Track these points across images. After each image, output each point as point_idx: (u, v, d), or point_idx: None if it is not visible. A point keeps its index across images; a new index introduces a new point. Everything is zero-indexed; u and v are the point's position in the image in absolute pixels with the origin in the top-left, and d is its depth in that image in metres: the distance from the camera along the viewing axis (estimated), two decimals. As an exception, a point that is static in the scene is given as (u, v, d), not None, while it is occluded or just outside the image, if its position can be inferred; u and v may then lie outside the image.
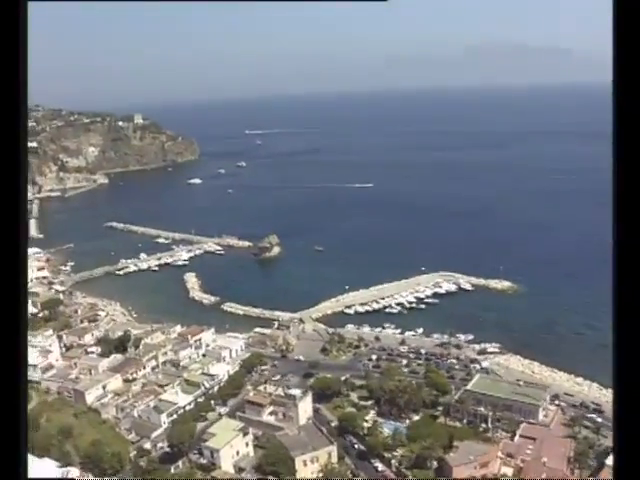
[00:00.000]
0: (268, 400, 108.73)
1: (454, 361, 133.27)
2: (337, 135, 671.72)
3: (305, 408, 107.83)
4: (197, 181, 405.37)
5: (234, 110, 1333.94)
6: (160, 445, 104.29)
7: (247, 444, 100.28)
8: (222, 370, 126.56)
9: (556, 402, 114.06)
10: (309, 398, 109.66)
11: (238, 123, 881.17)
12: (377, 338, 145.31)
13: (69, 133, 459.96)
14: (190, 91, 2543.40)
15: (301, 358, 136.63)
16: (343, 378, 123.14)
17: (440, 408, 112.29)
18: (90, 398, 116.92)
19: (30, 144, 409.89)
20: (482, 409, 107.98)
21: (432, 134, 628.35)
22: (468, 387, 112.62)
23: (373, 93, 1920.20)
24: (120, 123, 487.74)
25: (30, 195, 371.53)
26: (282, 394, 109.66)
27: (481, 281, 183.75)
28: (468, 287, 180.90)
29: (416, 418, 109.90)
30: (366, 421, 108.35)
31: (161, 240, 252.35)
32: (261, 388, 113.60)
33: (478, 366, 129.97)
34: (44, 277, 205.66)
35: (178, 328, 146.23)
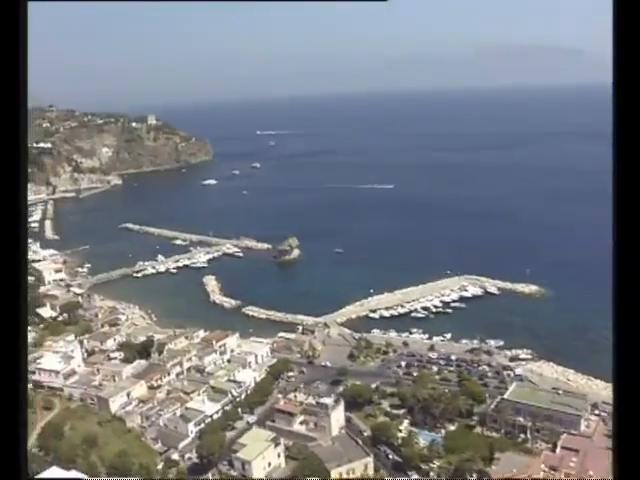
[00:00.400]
0: (299, 409, 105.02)
1: (486, 368, 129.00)
2: (347, 136, 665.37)
3: (337, 417, 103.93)
4: (212, 182, 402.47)
5: (236, 111, 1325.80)
6: (188, 456, 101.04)
7: (279, 455, 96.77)
8: (249, 377, 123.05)
9: (596, 412, 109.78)
10: (341, 407, 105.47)
11: (243, 124, 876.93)
12: (405, 343, 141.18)
13: (83, 134, 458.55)
14: (190, 91, 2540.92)
15: (328, 364, 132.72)
16: (374, 385, 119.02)
17: (475, 418, 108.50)
18: (114, 406, 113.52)
19: (44, 145, 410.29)
20: (521, 419, 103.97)
21: (448, 136, 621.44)
22: (506, 396, 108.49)
23: (375, 93, 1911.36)
24: (133, 124, 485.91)
25: (44, 196, 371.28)
26: (313, 403, 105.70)
27: (507, 285, 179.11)
28: (494, 291, 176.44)
29: (452, 428, 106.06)
30: (400, 431, 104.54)
31: (178, 242, 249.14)
32: (291, 396, 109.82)
33: (511, 373, 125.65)
34: (61, 279, 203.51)
35: (201, 333, 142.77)
